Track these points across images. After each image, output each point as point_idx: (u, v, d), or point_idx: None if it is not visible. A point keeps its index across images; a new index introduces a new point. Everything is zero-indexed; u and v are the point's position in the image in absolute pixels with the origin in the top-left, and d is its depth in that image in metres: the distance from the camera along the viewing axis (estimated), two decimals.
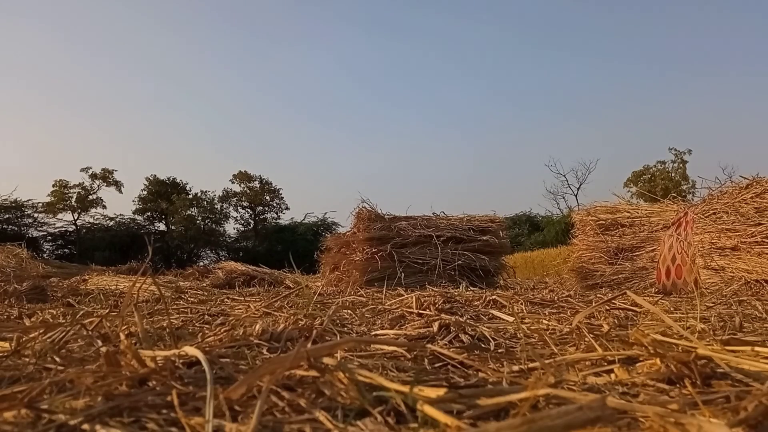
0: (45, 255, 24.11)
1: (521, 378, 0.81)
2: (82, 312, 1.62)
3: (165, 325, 1.40)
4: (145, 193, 31.32)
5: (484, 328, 1.27)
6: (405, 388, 0.63)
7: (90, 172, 29.77)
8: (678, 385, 0.74)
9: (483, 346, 1.13)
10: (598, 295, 2.61)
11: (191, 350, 0.78)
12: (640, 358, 0.87)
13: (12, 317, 1.82)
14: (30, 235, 24.75)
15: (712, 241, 3.42)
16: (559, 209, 33.94)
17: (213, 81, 50.95)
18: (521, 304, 1.94)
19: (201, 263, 23.63)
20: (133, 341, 0.91)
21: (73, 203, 28.80)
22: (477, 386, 0.74)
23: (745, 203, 3.34)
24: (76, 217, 28.73)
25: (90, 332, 1.08)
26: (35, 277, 4.49)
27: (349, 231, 5.54)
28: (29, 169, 42.59)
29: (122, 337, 1.06)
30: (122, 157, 47.83)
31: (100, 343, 1.02)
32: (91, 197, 29.42)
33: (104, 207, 29.67)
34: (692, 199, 6.85)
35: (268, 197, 32.57)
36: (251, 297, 2.81)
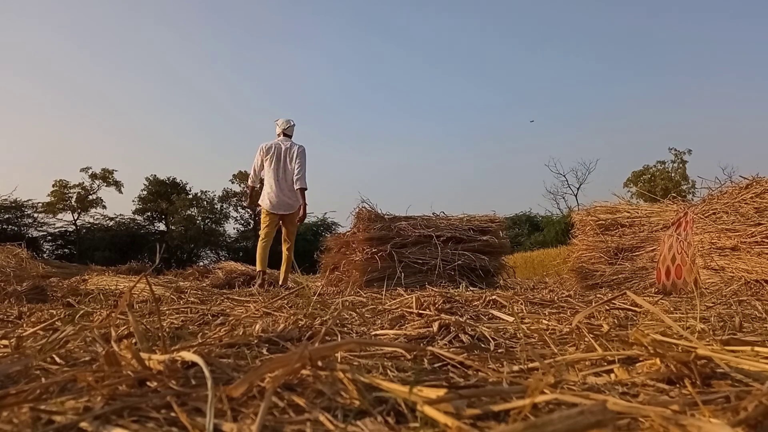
0: (45, 255, 24.12)
1: (521, 378, 0.81)
2: (82, 312, 1.62)
3: (165, 324, 1.40)
4: (145, 193, 31.32)
5: (484, 328, 1.27)
6: (405, 389, 0.63)
7: (90, 172, 29.79)
8: (678, 385, 0.75)
9: (483, 346, 1.13)
10: (598, 295, 2.61)
11: (188, 355, 0.78)
12: (640, 358, 0.87)
13: (12, 317, 1.82)
14: (30, 235, 24.76)
15: (712, 241, 3.42)
16: (559, 209, 33.93)
17: (213, 81, 51.00)
18: (521, 304, 1.94)
19: (201, 263, 23.64)
20: (132, 341, 0.91)
21: (73, 203, 28.79)
22: (477, 386, 0.74)
23: (745, 203, 3.34)
24: (76, 217, 28.73)
25: (90, 332, 1.08)
26: (35, 277, 4.49)
27: (349, 231, 5.54)
28: (29, 169, 42.63)
29: (122, 336, 1.06)
30: (122, 157, 47.89)
31: (100, 343, 1.02)
32: (91, 197, 29.42)
33: (104, 207, 29.71)
34: (692, 199, 6.85)
35: None
36: (251, 297, 2.81)
